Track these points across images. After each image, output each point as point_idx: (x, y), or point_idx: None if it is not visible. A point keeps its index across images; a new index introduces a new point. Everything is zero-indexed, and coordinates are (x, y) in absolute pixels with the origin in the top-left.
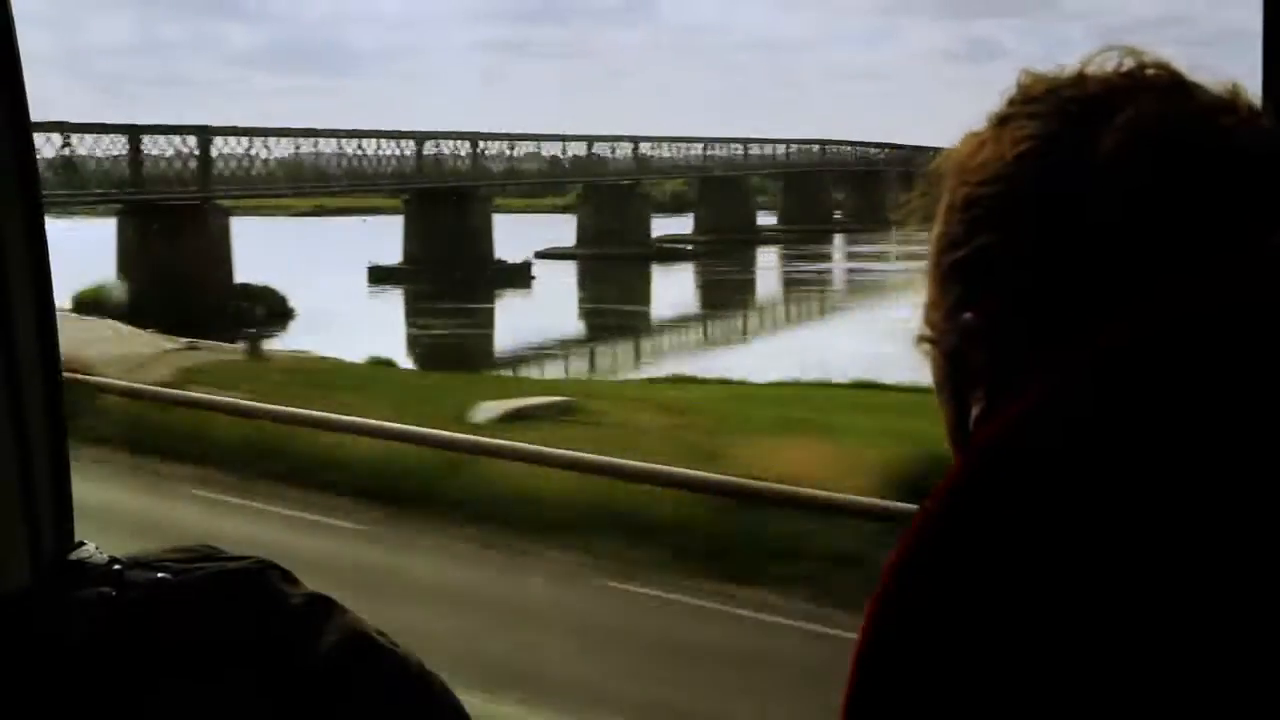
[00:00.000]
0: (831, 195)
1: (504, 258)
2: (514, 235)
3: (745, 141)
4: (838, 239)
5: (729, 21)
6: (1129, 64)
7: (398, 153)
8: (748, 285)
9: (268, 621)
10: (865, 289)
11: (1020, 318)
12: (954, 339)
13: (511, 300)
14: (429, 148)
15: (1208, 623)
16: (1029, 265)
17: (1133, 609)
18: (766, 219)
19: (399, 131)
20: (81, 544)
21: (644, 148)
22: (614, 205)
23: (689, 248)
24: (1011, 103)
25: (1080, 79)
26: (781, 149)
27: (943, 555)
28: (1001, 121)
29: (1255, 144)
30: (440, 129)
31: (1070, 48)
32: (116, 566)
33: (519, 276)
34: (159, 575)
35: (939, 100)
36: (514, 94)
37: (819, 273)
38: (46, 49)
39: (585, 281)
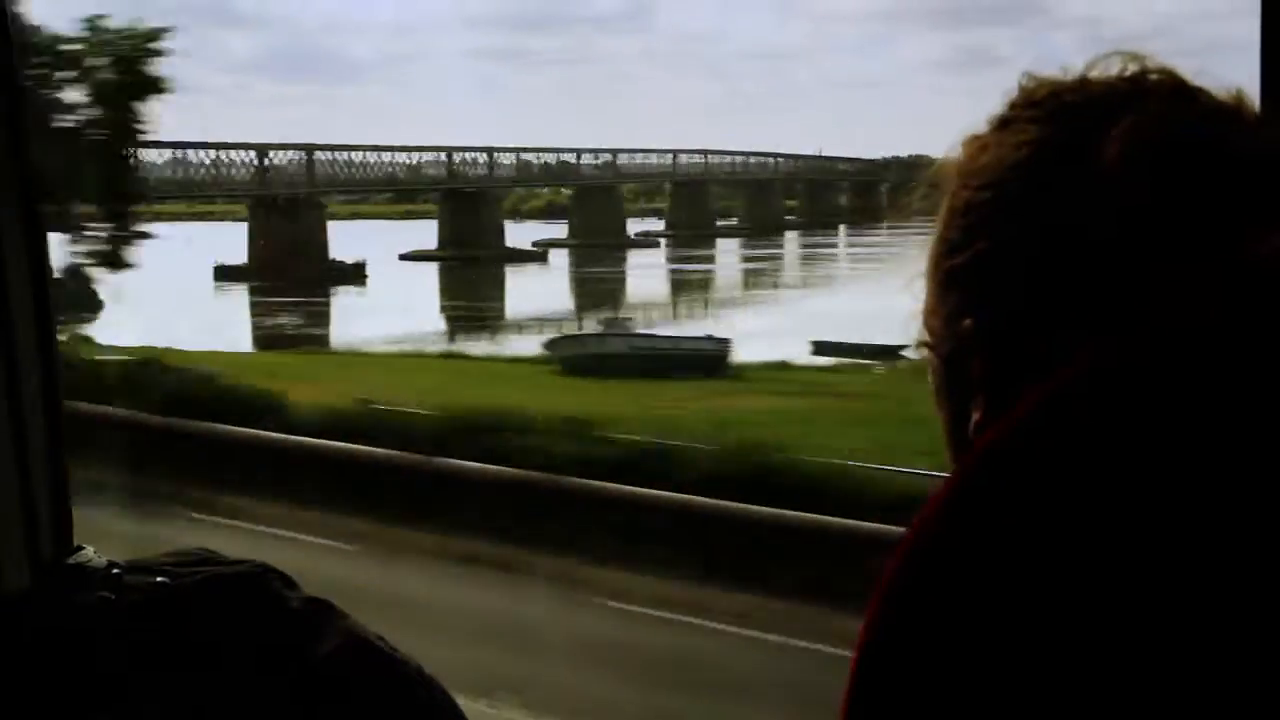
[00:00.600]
0: (715, 202)
1: (340, 258)
2: (382, 237)
3: (616, 151)
4: (727, 243)
5: (725, 30)
6: (1132, 69)
7: (242, 161)
8: (620, 285)
9: (266, 625)
10: (757, 286)
11: (1017, 326)
12: (952, 345)
13: (348, 297)
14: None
15: (1201, 636)
16: (1026, 274)
17: (1127, 617)
18: (654, 224)
19: (240, 143)
20: (80, 548)
21: (518, 158)
22: (470, 211)
23: (538, 250)
24: (1013, 106)
25: (1083, 83)
26: (668, 158)
27: (939, 561)
28: (1003, 125)
29: (1258, 150)
30: (279, 140)
31: (1064, 56)
32: (115, 570)
33: (354, 275)
34: (158, 579)
35: (932, 108)
36: (511, 100)
37: (702, 272)
38: None
39: (445, 282)
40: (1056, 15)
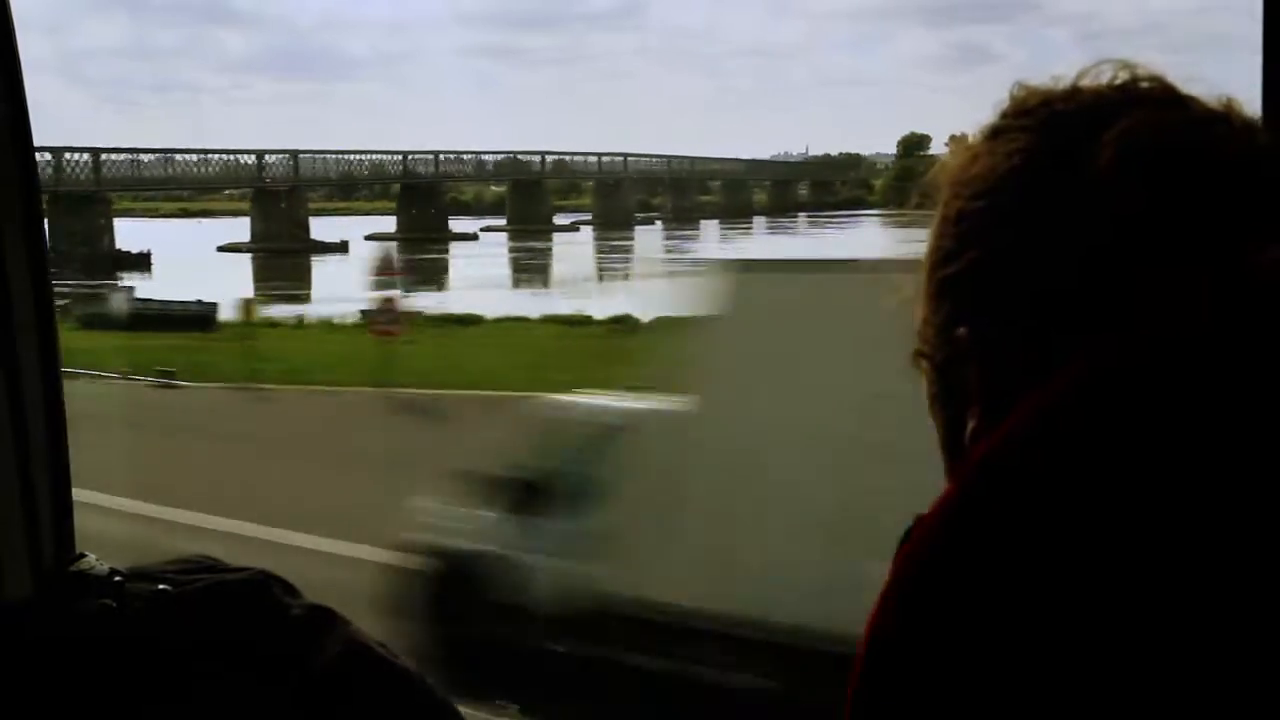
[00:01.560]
0: (550, 201)
1: (125, 248)
2: (209, 232)
3: (438, 154)
4: (576, 235)
5: (719, 28)
6: (1123, 77)
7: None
8: (444, 271)
9: (268, 633)
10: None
11: (1012, 334)
12: (946, 354)
13: (130, 284)
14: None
15: (1198, 639)
16: (1020, 281)
17: (1125, 622)
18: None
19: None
20: (82, 555)
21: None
22: (276, 208)
23: (338, 243)
24: (1004, 115)
25: (1073, 92)
26: (503, 158)
27: (939, 569)
28: (994, 134)
29: (1249, 156)
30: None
31: (1057, 53)
32: (117, 578)
33: (140, 263)
34: (160, 586)
35: (928, 105)
36: (505, 97)
37: (539, 261)
38: (42, 54)
39: (257, 270)
40: (1049, 12)
